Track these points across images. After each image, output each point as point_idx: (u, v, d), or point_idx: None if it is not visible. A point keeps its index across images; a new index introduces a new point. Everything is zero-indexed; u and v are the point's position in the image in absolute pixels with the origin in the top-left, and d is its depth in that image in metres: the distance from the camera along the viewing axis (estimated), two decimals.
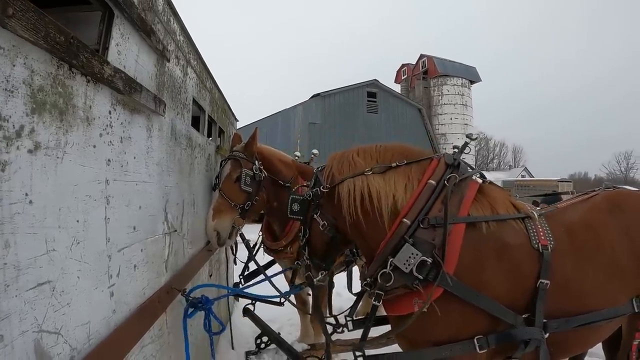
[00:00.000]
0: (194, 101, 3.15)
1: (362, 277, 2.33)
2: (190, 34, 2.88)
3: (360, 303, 2.74)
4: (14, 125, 1.05)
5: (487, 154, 76.78)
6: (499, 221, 2.17)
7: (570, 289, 2.14)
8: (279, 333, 3.60)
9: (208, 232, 3.37)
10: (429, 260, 1.99)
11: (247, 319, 3.75)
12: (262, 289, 3.55)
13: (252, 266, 4.06)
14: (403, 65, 51.08)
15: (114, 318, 1.66)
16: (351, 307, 2.62)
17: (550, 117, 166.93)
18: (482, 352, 2.02)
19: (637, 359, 2.44)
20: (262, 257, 4.13)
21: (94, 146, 1.50)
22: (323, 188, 2.40)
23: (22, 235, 1.09)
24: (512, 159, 79.06)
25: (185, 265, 2.79)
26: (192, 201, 3.04)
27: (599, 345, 2.70)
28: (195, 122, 3.48)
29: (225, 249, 4.71)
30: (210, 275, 4.01)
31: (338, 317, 2.75)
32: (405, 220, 2.10)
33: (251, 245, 4.27)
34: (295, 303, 3.96)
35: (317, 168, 2.61)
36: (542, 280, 2.06)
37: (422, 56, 46.95)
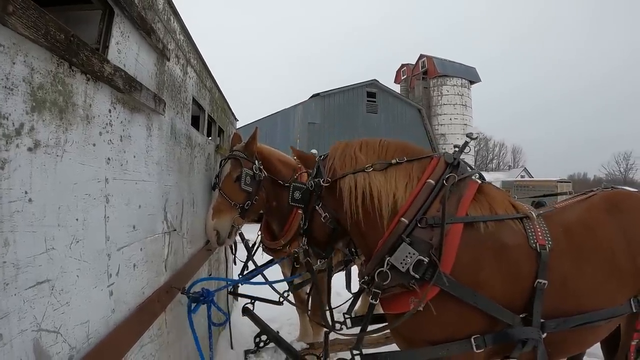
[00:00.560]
0: (194, 100, 3.14)
1: (360, 276, 2.34)
2: (191, 33, 2.88)
3: (360, 302, 2.74)
4: (13, 123, 1.05)
5: (487, 154, 76.79)
6: (497, 221, 2.17)
7: (568, 288, 2.14)
8: (278, 332, 3.60)
9: (208, 231, 3.37)
10: (426, 259, 1.99)
11: (246, 318, 3.75)
12: (261, 287, 3.55)
13: (252, 265, 4.06)
14: (403, 66, 51.12)
15: (114, 317, 1.66)
16: (349, 305, 2.62)
17: (549, 118, 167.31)
18: (479, 351, 2.02)
19: (636, 359, 2.44)
20: (261, 257, 4.13)
21: (94, 145, 1.50)
22: (324, 181, 2.41)
23: (22, 234, 1.09)
24: (511, 159, 79.12)
25: (185, 264, 2.79)
26: (191, 200, 3.04)
27: (598, 346, 2.70)
28: (195, 122, 3.48)
29: (225, 248, 4.71)
30: (210, 275, 4.00)
31: (336, 315, 2.75)
32: (403, 219, 2.11)
33: (250, 245, 4.27)
34: (293, 301, 3.96)
35: (320, 157, 2.61)
36: (540, 280, 2.06)
37: (421, 56, 46.98)
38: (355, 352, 2.24)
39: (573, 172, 78.91)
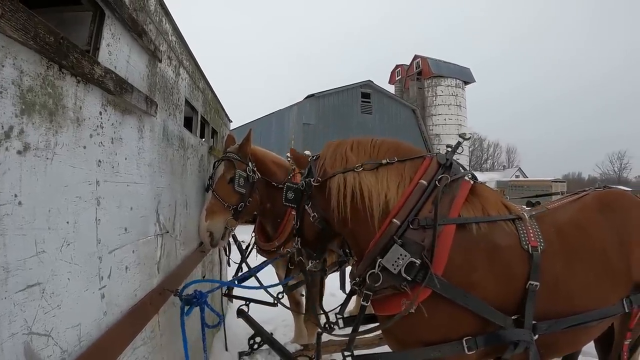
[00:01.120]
0: (187, 102, 3.13)
1: (352, 277, 2.34)
2: (183, 35, 2.87)
3: (353, 302, 2.75)
4: (2, 126, 1.05)
5: (481, 154, 77.13)
6: (490, 222, 2.18)
7: (560, 290, 2.14)
8: (272, 334, 3.60)
9: (201, 232, 3.37)
10: (418, 261, 1.99)
11: (240, 320, 3.75)
12: (256, 286, 3.55)
13: (246, 267, 4.06)
14: (397, 66, 51.27)
15: (105, 320, 1.65)
16: (341, 305, 2.62)
17: (544, 118, 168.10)
18: (470, 353, 2.02)
19: (629, 358, 2.46)
20: (255, 258, 4.13)
21: (84, 147, 1.49)
22: (314, 181, 2.42)
23: (11, 237, 1.08)
24: (506, 159, 79.58)
25: (178, 266, 2.78)
26: (184, 202, 3.03)
27: (592, 344, 2.71)
28: (188, 123, 3.47)
29: (219, 250, 4.70)
30: (204, 277, 3.99)
31: (331, 316, 2.75)
32: (395, 220, 2.11)
33: (244, 247, 4.27)
34: (287, 305, 3.96)
35: (312, 157, 2.63)
36: (532, 282, 2.06)
37: (416, 57, 47.14)
38: (346, 353, 2.24)
39: (567, 172, 79.66)
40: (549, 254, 2.15)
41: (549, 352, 2.24)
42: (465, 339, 2.03)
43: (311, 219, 2.47)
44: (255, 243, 4.24)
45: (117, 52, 1.80)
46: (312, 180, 2.44)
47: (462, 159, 39.40)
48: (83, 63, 1.42)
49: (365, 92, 31.60)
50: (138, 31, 1.95)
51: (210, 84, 4.18)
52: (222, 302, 4.69)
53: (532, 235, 2.17)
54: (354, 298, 3.37)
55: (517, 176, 51.96)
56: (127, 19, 1.82)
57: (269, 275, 4.01)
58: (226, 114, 5.62)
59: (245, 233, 4.60)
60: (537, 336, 2.07)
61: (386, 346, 2.72)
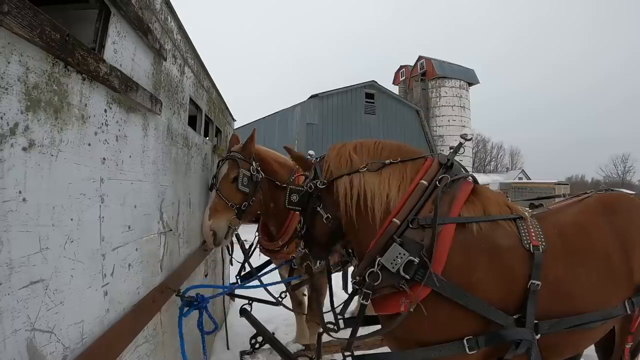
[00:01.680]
0: (191, 100, 3.14)
1: (353, 276, 2.34)
2: (188, 33, 2.88)
3: (356, 302, 2.74)
4: (8, 123, 1.05)
5: (485, 156, 76.96)
6: (490, 222, 2.17)
7: (562, 290, 2.13)
8: (274, 333, 3.60)
9: (204, 231, 3.37)
10: (416, 260, 1.99)
11: (242, 319, 3.74)
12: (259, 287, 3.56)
13: (249, 267, 4.06)
14: (401, 67, 51.12)
15: (108, 317, 1.66)
16: (343, 305, 2.62)
17: (549, 119, 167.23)
18: (471, 353, 2.01)
19: None
20: (259, 257, 4.13)
21: (89, 144, 1.49)
22: (320, 183, 2.41)
23: (16, 233, 1.09)
24: (509, 161, 79.24)
25: (181, 265, 2.78)
26: (187, 201, 3.04)
27: (593, 348, 2.70)
28: (192, 122, 3.48)
29: (221, 249, 4.71)
30: (206, 275, 4.00)
31: (331, 315, 2.74)
32: (395, 220, 2.11)
33: (247, 246, 4.27)
34: (289, 307, 3.96)
35: (316, 158, 2.61)
36: (533, 281, 2.05)
37: (420, 58, 47.00)
38: (346, 353, 2.24)
39: (571, 175, 79.16)
40: (551, 253, 2.14)
41: (550, 354, 2.23)
42: (466, 338, 2.02)
43: (324, 220, 2.44)
44: (258, 242, 4.24)
45: (122, 50, 1.80)
46: (318, 182, 2.43)
47: (465, 160, 39.40)
48: (89, 60, 1.43)
49: (369, 92, 31.53)
50: (143, 29, 1.96)
51: (215, 83, 4.18)
52: (224, 301, 4.70)
53: (533, 234, 2.16)
54: (356, 298, 3.37)
55: (520, 178, 51.77)
56: (133, 17, 1.82)
57: (271, 275, 4.00)
58: (230, 113, 5.63)
59: (248, 233, 4.60)
60: (539, 336, 2.07)
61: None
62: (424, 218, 2.08)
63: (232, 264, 4.53)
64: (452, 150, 2.38)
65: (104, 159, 1.62)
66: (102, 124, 1.60)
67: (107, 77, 1.57)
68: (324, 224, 2.45)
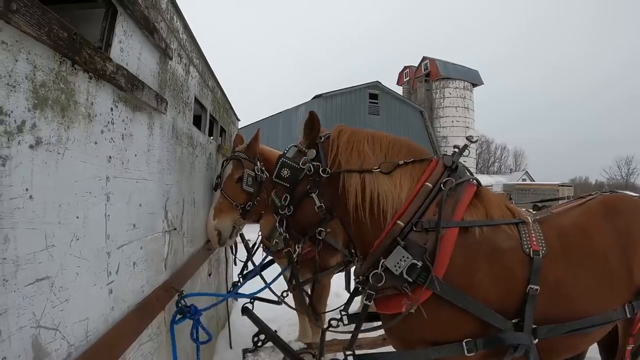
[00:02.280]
0: (196, 100, 3.15)
1: (356, 275, 2.33)
2: (194, 32, 2.88)
3: (358, 302, 2.72)
4: (15, 120, 1.06)
5: (489, 157, 76.89)
6: (492, 226, 2.17)
7: (561, 294, 2.13)
8: (276, 332, 3.60)
9: (209, 231, 3.38)
10: (419, 263, 1.99)
11: (244, 318, 3.74)
12: (262, 285, 3.55)
13: (252, 266, 4.05)
14: (405, 68, 51.11)
15: (112, 315, 1.66)
16: (345, 303, 2.62)
17: (549, 120, 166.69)
18: (470, 355, 2.02)
19: None
20: (262, 257, 4.13)
21: (95, 143, 1.50)
22: (323, 172, 2.30)
23: (22, 231, 1.09)
24: (513, 162, 79.10)
25: (185, 264, 2.79)
26: (192, 200, 3.05)
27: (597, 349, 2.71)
28: (197, 121, 3.48)
29: (225, 248, 4.72)
30: (210, 275, 4.01)
31: (333, 314, 2.74)
32: (399, 222, 2.10)
33: (250, 245, 4.28)
34: (292, 305, 3.96)
35: (320, 138, 2.43)
36: (532, 286, 2.06)
37: (424, 58, 46.95)
38: (347, 352, 2.24)
39: (575, 176, 78.99)
40: (551, 258, 2.13)
41: (549, 356, 2.23)
42: (465, 340, 2.03)
43: (316, 208, 2.36)
44: (261, 242, 4.25)
45: (128, 49, 1.81)
46: (320, 167, 2.32)
47: (469, 161, 39.37)
48: (95, 59, 1.44)
49: (373, 93, 31.57)
50: (150, 29, 1.96)
51: (219, 82, 4.19)
52: (227, 301, 4.70)
53: (534, 239, 2.16)
54: (359, 297, 3.36)
55: (523, 180, 51.60)
56: (139, 16, 1.83)
57: (274, 273, 4.01)
58: (234, 113, 5.64)
59: (252, 232, 4.61)
60: (537, 340, 2.07)
61: (390, 346, 2.71)
62: (428, 221, 2.07)
63: (235, 264, 4.53)
64: (457, 152, 2.36)
65: (110, 157, 1.62)
66: (109, 122, 1.61)
67: (114, 76, 1.58)
68: (314, 211, 2.38)
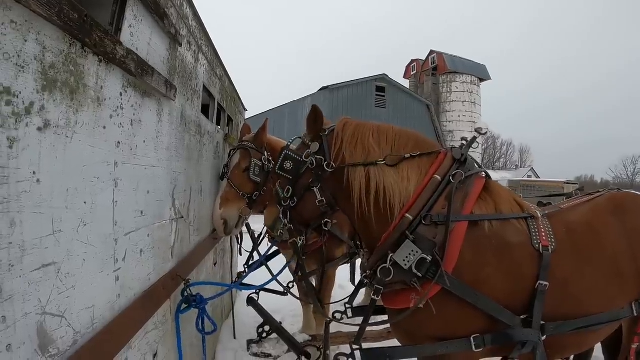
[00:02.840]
0: (205, 88, 3.12)
1: (363, 269, 2.30)
2: (203, 20, 2.85)
3: (362, 294, 2.71)
4: (24, 102, 1.03)
5: (494, 152, 76.46)
6: (502, 220, 2.14)
7: (569, 291, 2.11)
8: (281, 323, 3.60)
9: (215, 220, 3.37)
10: (429, 258, 1.96)
11: (249, 309, 3.74)
12: (267, 276, 3.54)
13: (257, 256, 4.04)
14: (412, 61, 50.94)
15: (119, 303, 1.65)
16: (350, 296, 2.60)
17: (554, 118, 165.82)
18: (478, 350, 2.01)
19: None
20: (267, 247, 4.12)
21: (104, 127, 1.48)
22: (327, 166, 2.28)
23: (29, 215, 1.07)
24: (518, 158, 78.68)
25: (191, 252, 2.78)
26: (199, 188, 3.03)
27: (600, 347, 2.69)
28: (205, 109, 3.46)
29: (230, 238, 4.71)
30: (215, 264, 4.00)
31: (338, 306, 2.72)
32: (407, 215, 2.07)
33: (256, 236, 4.26)
34: (297, 295, 3.95)
35: (325, 131, 2.40)
36: (541, 282, 2.03)
37: (432, 52, 46.78)
38: (355, 346, 2.22)
39: (580, 174, 78.59)
40: (560, 254, 2.11)
41: (555, 352, 2.22)
42: (473, 336, 2.02)
43: (317, 202, 2.34)
44: (267, 232, 4.23)
45: (139, 33, 1.78)
46: (324, 161, 2.29)
47: (475, 156, 39.21)
48: (106, 42, 1.41)
49: (380, 85, 31.48)
50: (160, 14, 1.93)
51: (227, 71, 4.16)
52: (231, 291, 4.70)
53: (544, 234, 2.13)
54: (363, 290, 3.35)
55: (529, 176, 51.32)
56: (150, 1, 1.80)
57: (279, 264, 4.00)
58: (242, 102, 5.61)
59: (257, 222, 4.59)
60: (544, 337, 2.05)
61: (395, 340, 2.69)
62: (437, 215, 2.04)
63: (241, 254, 4.53)
64: (466, 145, 2.32)
65: (119, 142, 1.60)
66: (118, 107, 1.58)
67: (124, 60, 1.55)
68: (315, 205, 2.36)
